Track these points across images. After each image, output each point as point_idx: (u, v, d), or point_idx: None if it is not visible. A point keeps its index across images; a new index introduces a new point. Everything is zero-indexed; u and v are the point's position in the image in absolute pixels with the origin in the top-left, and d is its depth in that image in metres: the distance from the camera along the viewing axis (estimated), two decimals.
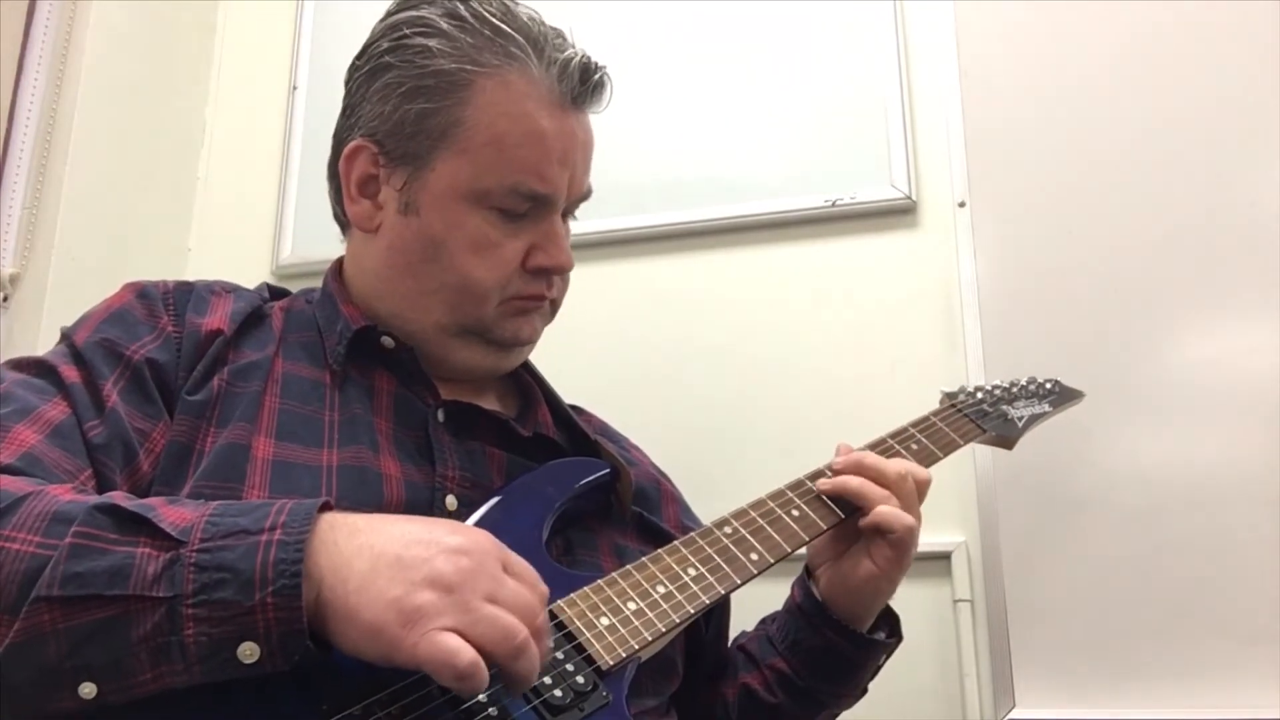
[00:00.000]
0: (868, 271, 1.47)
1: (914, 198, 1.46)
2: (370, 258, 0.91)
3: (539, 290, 0.90)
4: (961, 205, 1.42)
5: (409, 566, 0.60)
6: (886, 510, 0.88)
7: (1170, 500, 1.23)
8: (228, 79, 1.90)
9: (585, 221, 1.55)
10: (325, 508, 0.64)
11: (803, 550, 0.90)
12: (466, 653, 0.57)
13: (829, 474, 0.92)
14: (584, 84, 0.88)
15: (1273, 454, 1.20)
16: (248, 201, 1.80)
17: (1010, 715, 1.22)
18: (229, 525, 0.60)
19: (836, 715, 1.00)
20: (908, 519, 0.89)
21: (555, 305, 0.94)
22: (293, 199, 1.75)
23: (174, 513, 0.62)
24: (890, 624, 0.98)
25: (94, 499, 0.63)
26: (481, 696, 0.65)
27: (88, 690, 0.58)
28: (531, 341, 0.94)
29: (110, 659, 0.58)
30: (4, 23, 1.59)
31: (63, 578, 0.58)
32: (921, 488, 0.93)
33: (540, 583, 0.66)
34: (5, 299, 1.54)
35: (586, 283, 1.54)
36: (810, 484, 0.92)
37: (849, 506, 0.90)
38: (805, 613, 0.95)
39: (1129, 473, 1.25)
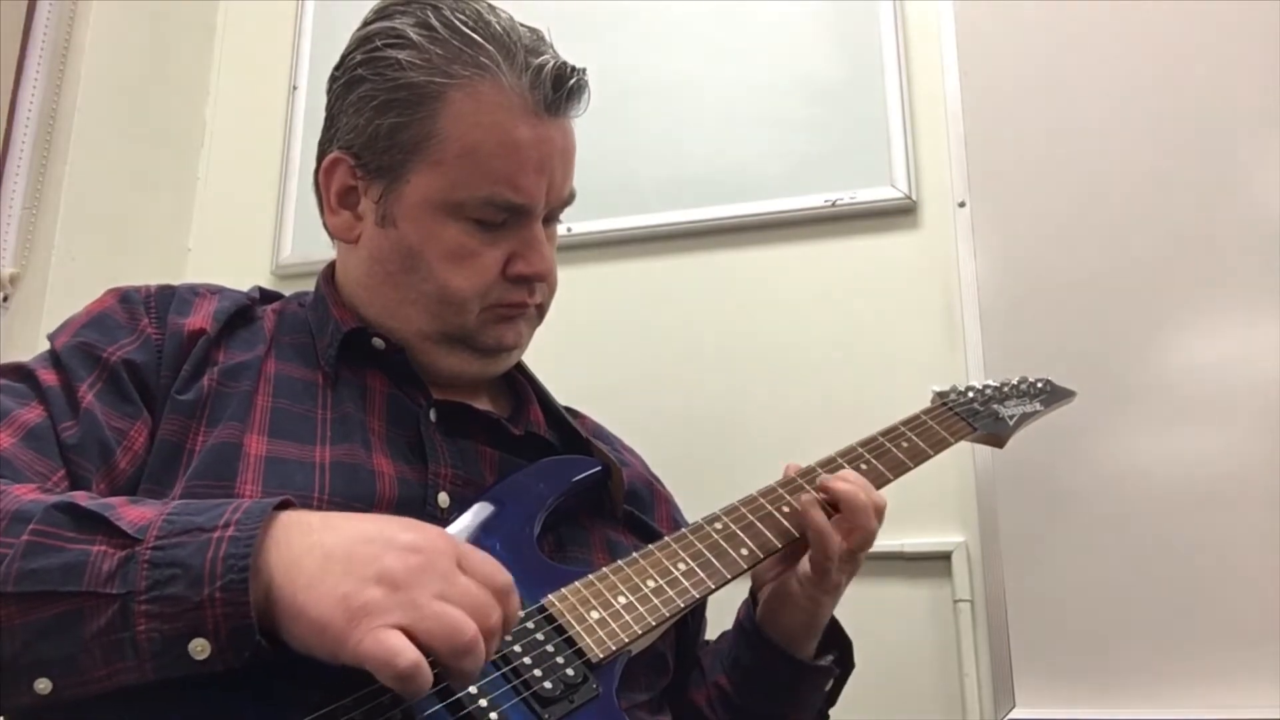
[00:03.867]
0: (868, 271, 1.47)
1: (914, 198, 1.46)
2: (353, 267, 0.92)
3: (520, 297, 0.90)
4: (961, 205, 1.42)
5: (358, 564, 0.59)
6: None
7: (1170, 500, 1.22)
8: (228, 79, 1.90)
9: (586, 221, 1.57)
10: (284, 505, 0.64)
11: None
12: (409, 653, 0.55)
13: (818, 471, 0.92)
14: (557, 91, 0.87)
15: (1273, 454, 1.20)
16: (248, 201, 1.80)
17: (1010, 715, 1.22)
18: (184, 523, 0.60)
19: None
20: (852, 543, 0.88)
21: (542, 310, 0.94)
22: (293, 199, 1.75)
23: (133, 511, 0.62)
24: (842, 649, 0.98)
25: (54, 498, 0.63)
26: (472, 688, 0.65)
27: (43, 686, 0.58)
28: (517, 347, 0.93)
29: (64, 655, 0.58)
30: (4, 23, 1.59)
31: (17, 574, 0.59)
32: (879, 513, 0.90)
33: (499, 575, 0.63)
34: (5, 299, 1.54)
35: (587, 282, 1.55)
36: (802, 481, 0.92)
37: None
38: (745, 632, 0.95)
39: (1129, 473, 1.25)
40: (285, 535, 0.61)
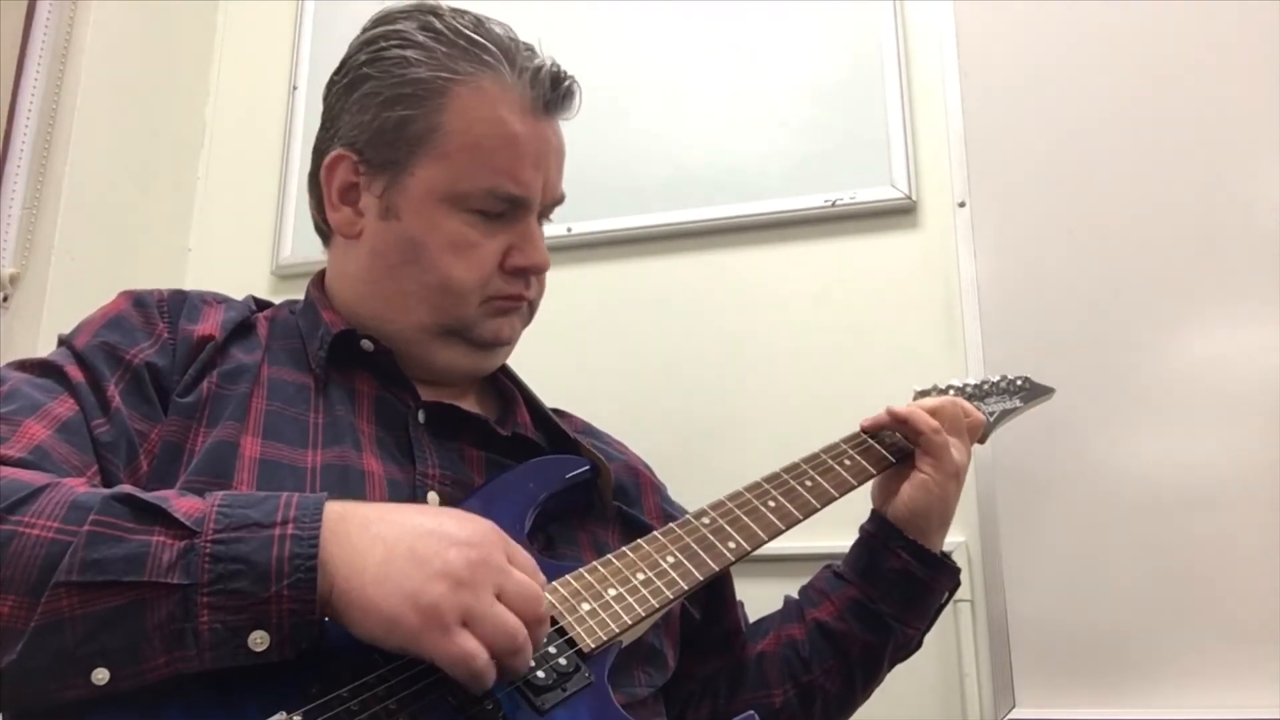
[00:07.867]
0: (868, 271, 1.47)
1: (914, 198, 1.46)
2: (352, 263, 0.93)
3: (518, 290, 0.92)
4: (961, 205, 1.42)
5: (422, 560, 0.63)
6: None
7: (1170, 500, 1.23)
8: (228, 79, 1.90)
9: (586, 221, 1.57)
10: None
11: (776, 542, 0.91)
12: (483, 655, 0.62)
13: (803, 467, 0.96)
14: (555, 90, 0.91)
15: (1273, 454, 1.20)
16: (248, 201, 1.80)
17: (1010, 715, 1.22)
18: (240, 517, 0.63)
19: (895, 659, 1.02)
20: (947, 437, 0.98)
21: (533, 307, 0.97)
22: (293, 199, 1.75)
23: (185, 503, 0.64)
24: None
25: (109, 490, 0.65)
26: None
27: (100, 676, 0.59)
28: (511, 342, 0.96)
29: (125, 644, 0.59)
30: (4, 23, 1.59)
31: (81, 564, 0.60)
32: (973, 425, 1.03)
33: (539, 570, 0.69)
34: (5, 299, 1.54)
35: (587, 282, 1.55)
36: (787, 476, 0.94)
37: (897, 454, 1.00)
38: (877, 537, 1.00)
39: (1129, 473, 1.25)
40: (344, 528, 0.64)
